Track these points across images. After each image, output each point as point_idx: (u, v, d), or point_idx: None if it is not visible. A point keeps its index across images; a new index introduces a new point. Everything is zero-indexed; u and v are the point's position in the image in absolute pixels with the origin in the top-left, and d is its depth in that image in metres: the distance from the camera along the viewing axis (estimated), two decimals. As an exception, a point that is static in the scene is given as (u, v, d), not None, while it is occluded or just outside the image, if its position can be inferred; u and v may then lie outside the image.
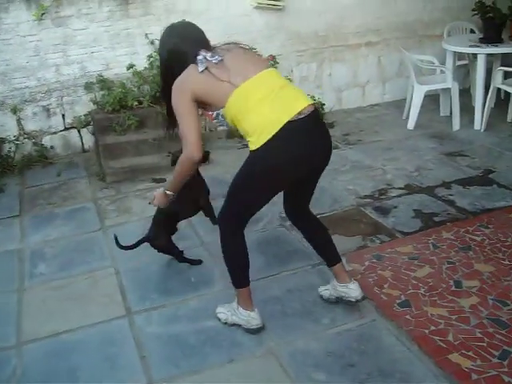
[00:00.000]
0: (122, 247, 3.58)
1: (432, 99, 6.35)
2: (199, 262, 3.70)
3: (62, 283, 3.64)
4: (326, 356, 2.86)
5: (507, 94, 6.20)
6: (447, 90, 6.04)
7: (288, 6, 6.13)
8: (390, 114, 6.61)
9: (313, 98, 6.15)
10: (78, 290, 3.56)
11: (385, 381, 2.68)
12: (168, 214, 3.42)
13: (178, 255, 3.65)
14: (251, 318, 2.99)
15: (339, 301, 3.18)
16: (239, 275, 3.00)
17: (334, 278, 3.18)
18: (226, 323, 3.08)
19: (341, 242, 3.83)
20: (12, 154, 5.62)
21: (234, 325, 3.05)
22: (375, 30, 6.65)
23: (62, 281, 3.67)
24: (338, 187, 4.74)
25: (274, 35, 6.15)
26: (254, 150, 2.62)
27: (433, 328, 2.99)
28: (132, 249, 3.59)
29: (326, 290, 3.26)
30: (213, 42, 2.80)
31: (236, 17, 5.90)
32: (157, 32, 5.56)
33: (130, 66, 5.68)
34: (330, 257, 3.19)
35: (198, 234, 4.08)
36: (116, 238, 3.57)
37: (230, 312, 3.07)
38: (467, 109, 6.15)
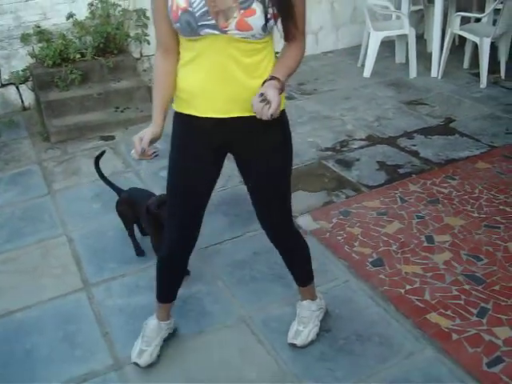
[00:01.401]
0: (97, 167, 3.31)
1: (386, 46, 6.18)
2: (142, 253, 3.30)
3: (11, 256, 3.36)
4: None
5: (461, 40, 6.10)
6: (403, 37, 5.89)
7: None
8: (344, 62, 6.42)
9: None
10: (29, 262, 3.29)
11: (363, 345, 2.57)
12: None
13: (131, 234, 3.31)
14: None
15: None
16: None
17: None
18: None
19: (305, 198, 3.74)
20: None
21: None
22: (328, -26, 6.39)
23: (10, 253, 3.38)
24: (297, 140, 4.49)
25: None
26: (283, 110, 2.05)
27: (408, 287, 2.88)
28: (102, 178, 3.33)
29: None
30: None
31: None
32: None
33: (70, 16, 5.27)
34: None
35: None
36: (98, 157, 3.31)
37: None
38: (422, 56, 6.04)
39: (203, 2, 1.81)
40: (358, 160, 4.19)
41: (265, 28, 1.83)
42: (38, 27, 5.26)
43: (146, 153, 2.01)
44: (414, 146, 4.36)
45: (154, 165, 4.16)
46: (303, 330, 2.59)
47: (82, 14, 5.34)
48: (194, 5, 1.82)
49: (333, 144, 4.46)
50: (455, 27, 5.53)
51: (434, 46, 5.72)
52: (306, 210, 3.60)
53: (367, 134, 4.60)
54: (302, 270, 2.61)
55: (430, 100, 5.24)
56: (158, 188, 3.65)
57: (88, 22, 5.34)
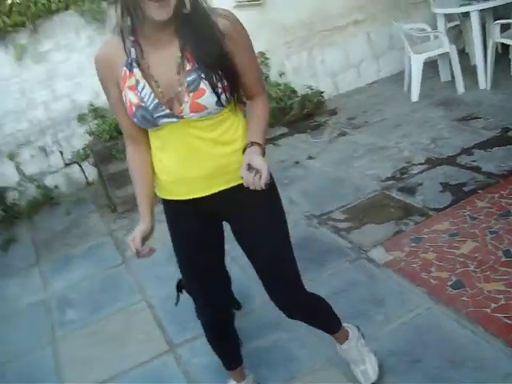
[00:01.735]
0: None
1: (429, 67, 6.15)
2: None
3: (95, 327, 3.47)
4: (388, 356, 2.68)
5: (504, 47, 6.04)
6: (445, 55, 5.85)
7: (267, 0, 5.95)
8: (390, 90, 6.43)
9: (309, 87, 6.02)
10: (113, 331, 3.39)
11: (458, 371, 2.50)
12: None
13: None
14: None
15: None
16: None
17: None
18: None
19: (373, 231, 3.71)
20: (17, 202, 5.46)
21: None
22: (359, 6, 6.46)
23: (94, 325, 3.49)
24: (356, 175, 4.56)
25: (259, 31, 5.94)
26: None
27: (494, 305, 2.81)
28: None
29: None
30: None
31: (217, 20, 5.73)
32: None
33: (120, 90, 5.50)
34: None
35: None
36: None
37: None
38: (467, 70, 5.97)
39: (152, 94, 1.80)
40: (420, 185, 4.15)
41: (219, 103, 1.80)
42: (92, 105, 5.52)
43: (142, 252, 1.99)
44: (475, 161, 4.29)
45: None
46: (366, 367, 2.54)
47: (131, 86, 5.56)
48: (145, 99, 1.81)
49: (392, 173, 4.44)
50: (496, 36, 5.48)
51: (478, 58, 5.67)
52: (376, 242, 3.58)
53: (425, 157, 4.56)
54: (329, 322, 2.51)
55: (483, 113, 5.17)
56: (229, 244, 3.72)
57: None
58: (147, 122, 1.86)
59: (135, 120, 1.88)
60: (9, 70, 5.25)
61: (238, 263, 3.25)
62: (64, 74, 5.42)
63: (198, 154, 1.90)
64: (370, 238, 3.63)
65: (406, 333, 2.79)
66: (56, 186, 5.62)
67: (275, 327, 3.04)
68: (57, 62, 5.36)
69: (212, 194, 1.97)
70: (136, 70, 1.81)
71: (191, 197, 1.99)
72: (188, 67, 1.78)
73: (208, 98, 1.78)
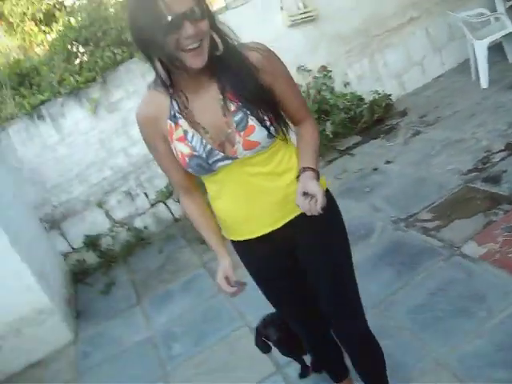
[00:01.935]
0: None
1: (493, 51, 5.99)
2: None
3: (203, 358, 3.57)
4: (497, 351, 2.64)
5: None
6: (509, 36, 5.70)
7: (320, 13, 5.99)
8: (457, 81, 6.30)
9: (376, 92, 6.00)
10: (219, 360, 3.48)
11: None
12: None
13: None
14: None
15: None
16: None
17: None
18: None
19: (463, 226, 3.66)
20: (111, 247, 5.71)
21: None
22: (413, 3, 6.39)
23: (201, 355, 3.59)
24: (436, 172, 4.50)
25: (317, 46, 6.03)
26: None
27: None
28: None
29: None
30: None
31: (272, 41, 5.80)
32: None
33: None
34: None
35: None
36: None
37: None
38: (535, 47, 5.80)
39: (204, 141, 1.80)
40: (504, 172, 4.05)
41: (270, 135, 1.81)
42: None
43: (236, 291, 1.96)
44: (558, 140, 4.17)
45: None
46: None
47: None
48: (197, 147, 1.81)
49: (473, 165, 4.35)
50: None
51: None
52: (467, 237, 3.52)
53: (505, 143, 4.44)
54: (381, 377, 2.40)
55: (559, 89, 5.01)
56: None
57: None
58: (203, 170, 1.86)
59: (190, 170, 1.88)
60: (86, 124, 5.52)
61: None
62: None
63: (258, 190, 1.91)
64: (460, 234, 3.58)
65: (512, 325, 2.74)
66: (145, 227, 5.83)
67: (380, 335, 3.04)
68: (128, 108, 5.58)
69: (283, 227, 1.98)
70: (181, 121, 1.81)
71: (259, 234, 1.99)
72: (233, 108, 1.78)
73: (259, 133, 1.79)
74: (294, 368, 3.10)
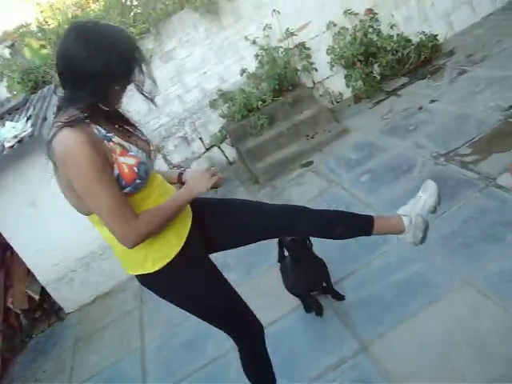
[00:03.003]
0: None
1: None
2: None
3: (253, 283, 3.92)
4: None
5: None
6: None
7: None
8: (508, 19, 6.23)
9: (423, 33, 6.04)
10: (268, 285, 3.79)
11: None
12: None
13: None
14: None
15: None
16: None
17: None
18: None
19: (500, 160, 3.80)
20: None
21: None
22: None
23: (253, 280, 3.95)
24: (479, 109, 4.60)
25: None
26: None
27: None
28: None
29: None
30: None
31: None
32: (253, 31, 5.83)
33: (243, 71, 5.91)
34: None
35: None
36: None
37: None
38: None
39: (140, 149, 2.01)
40: (544, 106, 4.14)
41: None
42: (220, 91, 5.96)
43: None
44: None
45: (353, 174, 4.54)
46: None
47: (252, 66, 5.95)
48: (139, 155, 1.97)
49: (515, 100, 4.44)
50: None
51: None
52: (503, 169, 3.67)
53: (549, 76, 4.49)
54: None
55: None
56: (363, 193, 4.05)
57: (259, 71, 5.91)
58: (148, 176, 2.00)
59: (138, 181, 1.94)
60: (143, 74, 5.81)
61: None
62: (190, 68, 5.90)
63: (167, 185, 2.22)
64: (497, 167, 3.73)
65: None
66: (201, 170, 6.14)
67: (413, 259, 3.29)
68: (182, 57, 5.85)
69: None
70: (115, 139, 1.93)
71: (189, 225, 2.19)
72: None
73: None
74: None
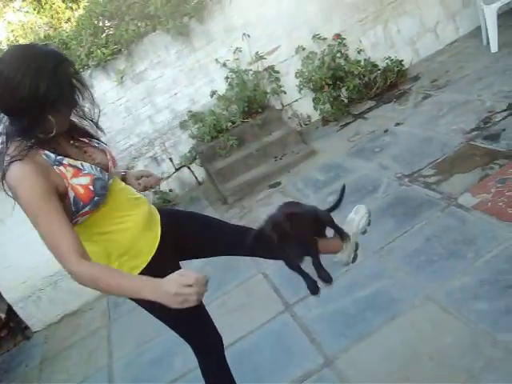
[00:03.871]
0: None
1: (507, 15, 6.19)
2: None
3: (222, 300, 3.95)
4: (481, 286, 2.94)
5: None
6: (519, 1, 5.86)
7: (334, -17, 6.21)
8: (470, 46, 6.47)
9: (389, 59, 6.22)
10: (237, 301, 3.86)
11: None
12: None
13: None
14: None
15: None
16: None
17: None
18: None
19: (461, 180, 3.92)
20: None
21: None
22: (427, -29, 6.56)
23: (220, 298, 3.98)
24: (442, 132, 4.75)
25: (332, 14, 6.22)
26: None
27: None
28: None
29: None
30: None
31: (288, 16, 6.05)
32: (224, 54, 5.93)
33: (213, 93, 5.99)
34: None
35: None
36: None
37: None
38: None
39: (92, 165, 1.98)
40: (504, 130, 4.28)
41: None
42: (190, 112, 6.03)
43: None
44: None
45: (320, 195, 4.63)
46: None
47: (222, 88, 6.03)
48: (93, 171, 1.96)
49: (476, 124, 4.58)
50: None
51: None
52: (464, 189, 3.79)
53: (507, 103, 4.66)
54: None
55: None
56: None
57: (229, 93, 6.00)
58: (105, 190, 1.99)
59: (97, 198, 1.94)
60: (114, 94, 5.86)
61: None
62: (161, 89, 5.97)
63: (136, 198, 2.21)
64: (458, 187, 3.86)
65: (497, 264, 3.04)
66: (171, 190, 6.18)
67: (379, 276, 3.37)
68: (153, 78, 5.91)
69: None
70: (65, 160, 1.91)
71: (159, 237, 2.20)
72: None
73: None
74: (301, 306, 3.45)
